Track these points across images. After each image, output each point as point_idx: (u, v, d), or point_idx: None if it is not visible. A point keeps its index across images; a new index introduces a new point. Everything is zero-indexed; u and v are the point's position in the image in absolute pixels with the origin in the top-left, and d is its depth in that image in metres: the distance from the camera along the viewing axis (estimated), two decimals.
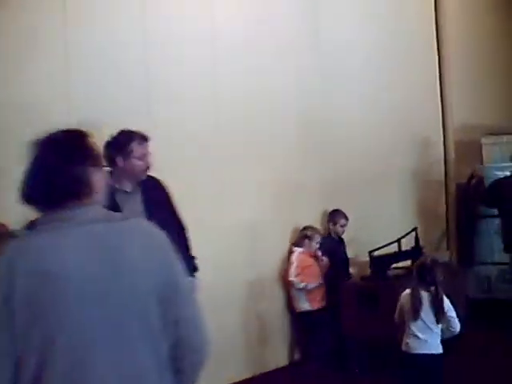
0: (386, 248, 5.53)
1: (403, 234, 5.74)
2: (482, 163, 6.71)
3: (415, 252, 5.59)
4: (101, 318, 1.66)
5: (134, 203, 3.60)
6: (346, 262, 5.79)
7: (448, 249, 6.98)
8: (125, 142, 3.60)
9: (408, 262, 5.48)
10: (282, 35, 5.50)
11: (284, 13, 5.56)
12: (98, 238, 1.72)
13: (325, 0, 5.96)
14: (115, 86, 4.30)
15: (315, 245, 5.44)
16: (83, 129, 1.87)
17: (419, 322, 3.86)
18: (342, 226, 5.72)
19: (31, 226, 1.75)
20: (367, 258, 5.44)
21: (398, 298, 4.06)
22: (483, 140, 6.77)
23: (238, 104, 5.09)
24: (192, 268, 3.87)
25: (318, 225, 5.67)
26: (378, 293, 5.11)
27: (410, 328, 3.89)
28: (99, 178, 1.81)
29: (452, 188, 7.04)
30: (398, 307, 4.06)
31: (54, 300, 1.64)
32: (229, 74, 5.05)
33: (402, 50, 6.58)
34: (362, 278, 5.54)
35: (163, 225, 3.53)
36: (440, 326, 3.86)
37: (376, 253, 5.42)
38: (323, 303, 5.37)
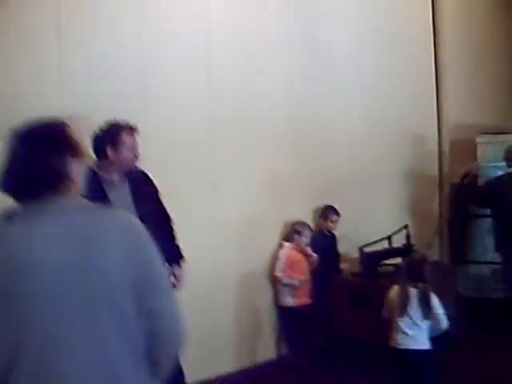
0: (376, 245, 5.53)
1: (395, 230, 5.75)
2: None
3: (406, 249, 5.59)
4: (72, 308, 1.65)
5: (123, 194, 3.62)
6: (337, 257, 5.79)
7: (440, 247, 6.99)
8: (114, 132, 3.61)
9: (399, 259, 5.48)
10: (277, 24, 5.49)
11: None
12: (73, 228, 1.70)
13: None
14: (108, 74, 4.27)
15: (305, 239, 5.43)
16: (65, 118, 1.86)
17: (407, 318, 3.88)
18: (333, 222, 5.73)
19: (7, 215, 1.73)
20: (357, 254, 5.44)
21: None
22: (478, 139, 6.76)
23: (229, 100, 5.06)
24: (178, 257, 3.98)
25: (309, 221, 5.66)
26: (368, 291, 5.11)
27: (397, 324, 3.92)
28: (78, 169, 1.79)
29: (446, 186, 7.04)
30: (387, 303, 4.07)
31: (24, 290, 1.63)
32: (222, 67, 5.03)
33: (398, 49, 6.56)
34: (353, 275, 5.54)
35: (150, 215, 3.59)
36: (427, 322, 3.87)
37: (367, 249, 5.43)
38: (308, 300, 5.36)
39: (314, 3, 5.86)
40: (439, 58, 7.07)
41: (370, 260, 5.41)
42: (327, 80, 5.90)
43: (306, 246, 5.44)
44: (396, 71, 6.51)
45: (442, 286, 4.44)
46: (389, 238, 5.64)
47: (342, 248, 5.86)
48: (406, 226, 5.84)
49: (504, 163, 5.88)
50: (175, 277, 3.93)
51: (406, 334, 3.88)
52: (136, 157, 3.65)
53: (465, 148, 6.86)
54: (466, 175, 6.46)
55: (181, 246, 4.05)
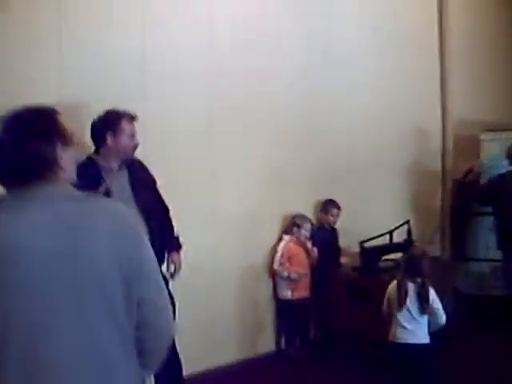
0: (377, 239, 5.50)
1: (396, 226, 5.72)
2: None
3: (407, 245, 5.55)
4: (60, 296, 1.62)
5: (122, 182, 3.62)
6: (337, 252, 5.77)
7: (441, 243, 6.96)
8: (114, 119, 3.62)
9: (399, 255, 5.45)
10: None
11: None
12: (61, 216, 1.66)
13: None
14: (108, 63, 4.24)
15: (305, 232, 5.41)
16: (55, 105, 1.82)
17: (405, 313, 3.86)
18: (334, 216, 5.70)
19: None
20: (358, 249, 5.42)
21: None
22: (482, 136, 6.72)
23: (229, 89, 5.02)
24: (177, 246, 3.98)
25: (309, 214, 5.64)
26: (368, 285, 5.09)
27: (396, 318, 3.90)
28: (68, 157, 1.75)
29: (448, 183, 7.00)
30: (386, 298, 4.06)
31: (11, 277, 1.61)
32: (222, 56, 4.99)
33: (403, 44, 6.52)
34: (353, 269, 5.52)
35: (148, 202, 3.58)
36: (426, 316, 3.85)
37: (367, 244, 5.41)
38: (307, 293, 5.35)
39: (314, 3, 5.82)
40: (444, 55, 7.03)
41: (371, 255, 5.39)
42: (328, 68, 5.85)
43: (306, 239, 5.42)
44: (397, 69, 6.45)
45: (440, 281, 4.42)
46: (390, 233, 5.61)
47: (342, 242, 5.84)
48: (407, 222, 5.81)
49: (507, 161, 5.85)
50: (174, 264, 3.93)
51: (404, 328, 3.86)
52: (136, 145, 3.64)
53: (468, 144, 6.82)
54: (468, 172, 6.44)
55: (180, 235, 4.05)
